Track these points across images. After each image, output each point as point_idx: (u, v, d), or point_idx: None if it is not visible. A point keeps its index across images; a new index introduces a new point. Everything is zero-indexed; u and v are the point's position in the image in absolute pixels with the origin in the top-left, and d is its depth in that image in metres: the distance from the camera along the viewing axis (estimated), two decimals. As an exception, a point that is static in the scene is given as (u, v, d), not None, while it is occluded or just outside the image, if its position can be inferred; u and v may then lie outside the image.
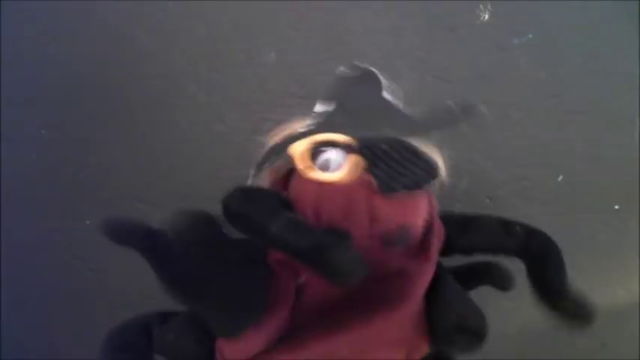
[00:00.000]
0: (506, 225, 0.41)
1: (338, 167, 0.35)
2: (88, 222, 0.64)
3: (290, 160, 0.36)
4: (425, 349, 0.40)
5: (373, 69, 0.37)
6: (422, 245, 0.39)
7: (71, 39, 0.65)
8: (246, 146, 0.64)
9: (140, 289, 0.61)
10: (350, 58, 0.64)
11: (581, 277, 0.64)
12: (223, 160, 0.64)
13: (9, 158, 0.65)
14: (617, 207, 0.64)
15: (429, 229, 0.39)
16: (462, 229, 0.41)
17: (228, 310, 0.35)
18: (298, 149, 0.35)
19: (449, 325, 0.39)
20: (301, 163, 0.35)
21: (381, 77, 0.38)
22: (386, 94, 0.37)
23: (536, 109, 0.64)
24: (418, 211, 0.38)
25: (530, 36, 0.64)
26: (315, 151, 0.35)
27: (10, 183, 0.64)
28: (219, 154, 0.64)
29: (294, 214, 0.35)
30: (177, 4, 0.64)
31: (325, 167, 0.35)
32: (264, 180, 0.40)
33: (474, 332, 0.39)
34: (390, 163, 0.35)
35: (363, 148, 0.35)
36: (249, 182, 0.38)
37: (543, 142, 0.64)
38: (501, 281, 0.44)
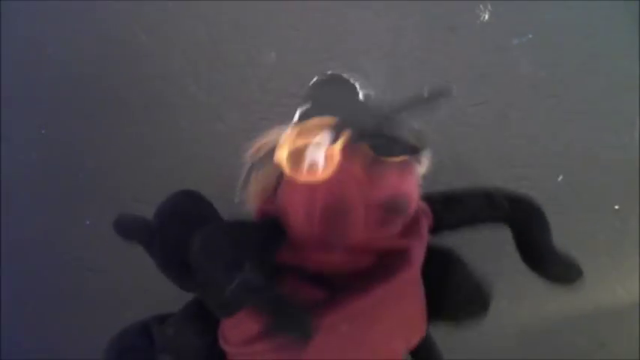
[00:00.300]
0: (490, 196, 0.42)
1: (325, 161, 0.35)
2: (88, 222, 0.65)
3: (274, 170, 0.37)
4: (423, 330, 0.41)
5: (344, 74, 0.38)
6: (412, 224, 0.40)
7: (71, 39, 0.65)
8: (246, 146, 0.64)
9: (140, 289, 0.61)
10: (350, 58, 0.64)
11: (581, 277, 0.64)
12: (223, 160, 0.64)
13: (9, 158, 0.65)
14: (617, 207, 0.64)
15: (417, 208, 0.41)
16: (446, 207, 0.43)
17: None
18: (282, 155, 0.36)
19: (465, 292, 0.41)
20: (290, 166, 0.36)
21: (353, 81, 0.38)
22: (361, 96, 0.38)
23: (536, 109, 0.64)
24: (413, 181, 0.39)
25: (530, 36, 0.64)
26: (298, 157, 0.36)
27: (10, 183, 0.64)
28: (219, 154, 0.64)
29: (251, 274, 0.35)
30: (177, 4, 0.64)
31: (312, 168, 0.36)
32: (252, 200, 0.40)
33: (486, 300, 0.41)
34: (382, 132, 0.36)
35: (353, 123, 0.36)
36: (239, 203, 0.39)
37: (543, 142, 0.64)
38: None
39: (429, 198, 0.42)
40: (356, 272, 0.38)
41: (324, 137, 0.35)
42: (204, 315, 0.39)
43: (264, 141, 0.39)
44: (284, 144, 0.36)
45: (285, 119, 0.64)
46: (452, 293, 0.41)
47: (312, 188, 0.36)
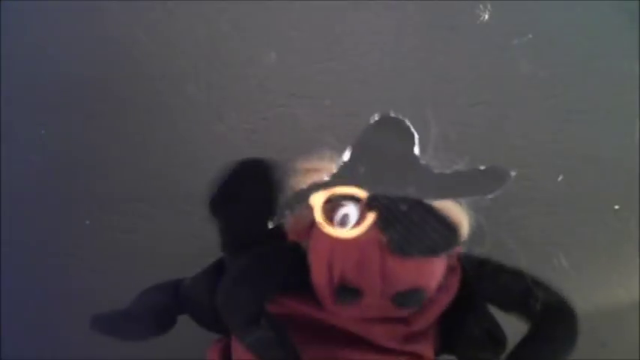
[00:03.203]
0: (527, 293, 0.39)
1: (355, 223, 0.34)
2: (87, 222, 0.65)
3: (311, 210, 0.36)
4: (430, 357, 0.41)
5: (406, 121, 0.36)
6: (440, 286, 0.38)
7: (71, 39, 0.65)
8: (246, 146, 0.64)
9: (140, 290, 0.61)
10: (350, 58, 0.64)
11: (581, 277, 0.64)
12: (223, 160, 0.64)
13: (9, 158, 0.65)
14: (617, 207, 0.64)
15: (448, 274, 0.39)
16: (480, 279, 0.40)
17: None
18: (318, 201, 0.35)
19: (480, 330, 0.40)
20: (319, 216, 0.35)
21: (413, 131, 0.37)
22: (417, 150, 0.37)
23: (536, 109, 0.64)
24: (434, 275, 0.37)
25: (530, 36, 0.64)
26: (334, 204, 0.35)
27: (10, 183, 0.64)
28: (219, 154, 0.64)
29: (267, 331, 0.36)
30: (177, 4, 0.64)
31: (344, 222, 0.35)
32: (289, 223, 0.40)
33: (500, 341, 0.40)
34: (407, 225, 0.34)
35: (382, 207, 0.34)
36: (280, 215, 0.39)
37: (543, 142, 0.64)
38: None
39: (464, 261, 0.41)
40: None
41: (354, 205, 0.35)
42: (220, 275, 0.39)
43: (314, 175, 0.37)
44: (319, 194, 0.35)
45: (285, 120, 0.65)
46: (464, 329, 0.40)
47: (334, 246, 0.35)
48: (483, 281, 0.40)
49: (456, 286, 0.40)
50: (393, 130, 0.35)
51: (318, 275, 0.36)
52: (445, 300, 0.39)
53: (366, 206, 0.35)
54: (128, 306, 0.43)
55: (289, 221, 0.39)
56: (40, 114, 0.65)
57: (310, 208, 0.35)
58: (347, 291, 0.35)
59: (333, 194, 0.35)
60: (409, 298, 0.36)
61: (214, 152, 0.64)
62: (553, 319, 0.38)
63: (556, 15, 0.64)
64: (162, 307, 0.43)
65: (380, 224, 0.34)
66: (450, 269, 0.39)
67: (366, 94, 0.64)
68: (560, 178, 0.64)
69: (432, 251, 0.35)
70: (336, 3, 0.64)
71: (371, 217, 0.34)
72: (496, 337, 0.40)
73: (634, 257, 0.64)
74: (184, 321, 0.43)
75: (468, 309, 0.40)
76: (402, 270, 0.35)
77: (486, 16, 0.64)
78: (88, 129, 0.65)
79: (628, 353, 0.64)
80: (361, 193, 0.35)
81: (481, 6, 0.64)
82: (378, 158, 0.35)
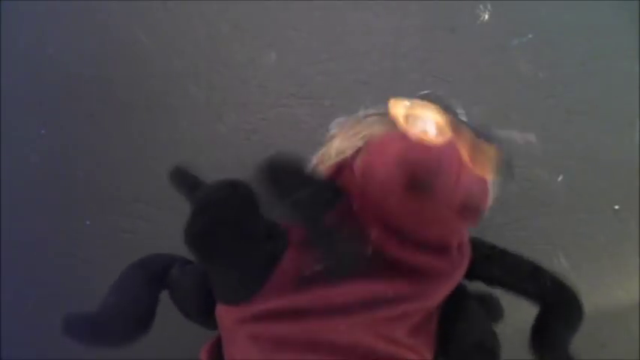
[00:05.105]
0: (534, 270, 0.42)
1: (437, 130, 0.38)
2: (88, 222, 0.65)
3: (388, 121, 0.39)
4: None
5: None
6: (454, 257, 0.40)
7: (71, 39, 0.65)
8: (246, 146, 0.64)
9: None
10: (350, 58, 0.64)
11: (581, 277, 0.64)
12: (223, 160, 0.64)
13: (9, 158, 0.65)
14: (617, 207, 0.64)
15: (460, 251, 0.40)
16: (488, 258, 0.42)
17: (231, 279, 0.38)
18: (400, 112, 0.39)
19: (471, 342, 0.40)
20: (402, 122, 0.38)
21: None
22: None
23: (536, 109, 0.64)
24: (488, 196, 0.40)
25: (530, 36, 0.64)
26: (414, 117, 0.39)
27: (10, 183, 0.64)
28: (219, 154, 0.64)
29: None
30: (177, 4, 0.64)
31: (427, 129, 0.39)
32: (324, 163, 0.42)
33: (492, 353, 0.41)
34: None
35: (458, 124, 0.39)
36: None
37: (543, 142, 0.64)
38: (491, 310, 0.46)
39: (474, 243, 0.42)
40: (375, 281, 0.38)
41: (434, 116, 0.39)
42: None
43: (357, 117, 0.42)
44: (401, 106, 0.39)
45: (285, 120, 0.65)
46: (456, 338, 0.41)
47: (408, 151, 0.38)
48: (493, 264, 0.42)
49: (466, 267, 0.41)
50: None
51: (385, 175, 0.38)
52: (458, 277, 0.40)
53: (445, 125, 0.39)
54: (101, 306, 0.41)
55: (326, 154, 0.42)
56: (40, 114, 0.65)
57: (386, 122, 0.39)
58: (421, 183, 0.37)
59: (412, 110, 0.39)
60: (474, 205, 0.38)
61: (214, 152, 0.64)
62: (563, 294, 0.41)
63: (556, 15, 0.64)
64: (140, 303, 0.42)
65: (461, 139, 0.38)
66: (461, 251, 0.40)
67: (366, 94, 0.64)
68: (560, 178, 0.64)
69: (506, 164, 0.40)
70: (336, 3, 0.64)
71: (450, 133, 0.38)
72: (488, 348, 0.41)
73: (634, 257, 0.64)
74: (184, 320, 0.43)
75: (465, 318, 0.41)
76: (473, 178, 0.38)
77: (486, 16, 0.64)
78: (88, 129, 0.65)
79: (628, 353, 0.64)
80: (438, 114, 0.39)
81: (481, 6, 0.64)
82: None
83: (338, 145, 0.41)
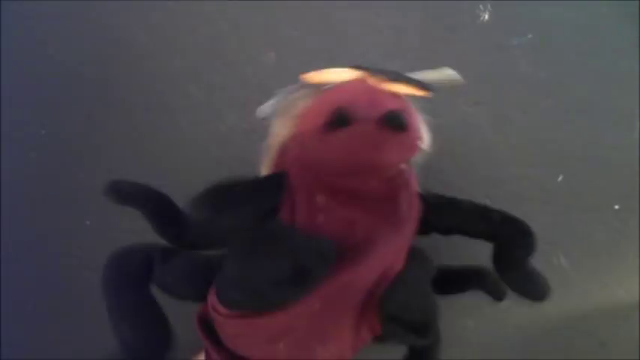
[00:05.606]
0: (484, 210, 0.44)
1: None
2: (88, 222, 0.65)
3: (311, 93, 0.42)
4: (377, 329, 0.41)
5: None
6: (399, 216, 0.41)
7: (71, 39, 0.65)
8: (246, 146, 0.64)
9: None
10: (350, 58, 0.64)
11: (581, 277, 0.64)
12: (223, 160, 0.64)
13: (9, 158, 0.65)
14: (617, 207, 0.64)
15: (409, 203, 0.42)
16: (439, 210, 0.43)
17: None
18: (316, 77, 0.41)
19: (386, 311, 0.40)
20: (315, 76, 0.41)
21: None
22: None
23: (536, 109, 0.64)
24: (413, 113, 0.41)
25: (530, 36, 0.64)
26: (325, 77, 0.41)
27: (10, 183, 0.64)
28: (219, 154, 0.64)
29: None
30: (177, 4, 0.64)
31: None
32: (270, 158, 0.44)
33: (409, 326, 0.39)
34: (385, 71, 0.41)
35: (368, 68, 0.41)
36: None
37: (543, 142, 0.64)
38: (492, 289, 0.46)
39: (425, 197, 0.43)
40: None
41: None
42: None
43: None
44: (315, 74, 0.42)
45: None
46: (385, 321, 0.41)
47: (325, 96, 0.41)
48: (444, 214, 0.44)
49: (417, 219, 0.42)
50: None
51: (310, 127, 0.40)
52: (409, 230, 0.42)
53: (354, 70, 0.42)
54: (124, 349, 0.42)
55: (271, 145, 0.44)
56: (40, 114, 0.65)
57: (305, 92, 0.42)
58: (339, 116, 0.38)
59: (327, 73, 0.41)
60: (396, 117, 0.39)
61: (214, 152, 0.64)
62: (515, 225, 0.43)
63: (556, 15, 0.64)
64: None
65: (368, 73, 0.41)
66: (409, 203, 0.42)
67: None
68: (560, 178, 0.64)
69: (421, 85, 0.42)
70: (336, 3, 0.64)
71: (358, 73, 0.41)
72: (420, 322, 0.40)
73: (634, 257, 0.64)
74: (184, 320, 0.43)
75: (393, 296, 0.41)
76: (390, 100, 0.40)
77: (486, 16, 0.64)
78: (88, 129, 0.65)
79: (628, 353, 0.64)
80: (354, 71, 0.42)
81: (481, 6, 0.64)
82: None
83: (276, 132, 0.43)
